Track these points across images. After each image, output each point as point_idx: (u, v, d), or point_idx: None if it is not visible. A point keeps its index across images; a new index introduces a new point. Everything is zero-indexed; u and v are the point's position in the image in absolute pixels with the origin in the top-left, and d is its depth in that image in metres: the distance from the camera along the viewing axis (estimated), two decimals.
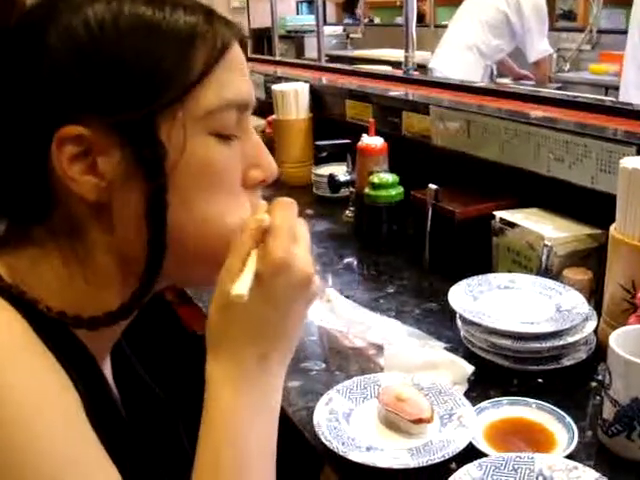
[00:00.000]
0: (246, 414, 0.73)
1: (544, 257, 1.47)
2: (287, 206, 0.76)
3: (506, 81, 4.50)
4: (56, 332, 0.68)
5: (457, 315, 1.37)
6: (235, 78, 0.75)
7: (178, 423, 0.96)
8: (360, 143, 2.00)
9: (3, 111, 0.70)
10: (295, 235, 0.73)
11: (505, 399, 1.17)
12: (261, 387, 0.74)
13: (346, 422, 1.14)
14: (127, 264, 0.74)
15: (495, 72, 4.57)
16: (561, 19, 5.67)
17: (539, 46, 4.37)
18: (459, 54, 4.35)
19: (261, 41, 6.36)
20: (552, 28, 5.43)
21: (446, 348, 1.35)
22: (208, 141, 0.72)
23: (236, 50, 0.75)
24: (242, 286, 0.69)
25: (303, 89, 2.63)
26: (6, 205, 0.74)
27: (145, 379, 0.96)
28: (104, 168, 0.69)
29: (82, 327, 0.71)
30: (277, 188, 2.58)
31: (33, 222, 0.73)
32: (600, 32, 4.72)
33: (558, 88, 4.40)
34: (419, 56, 2.84)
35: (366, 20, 7.11)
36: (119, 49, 0.68)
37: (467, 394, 1.20)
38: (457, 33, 4.43)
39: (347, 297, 1.60)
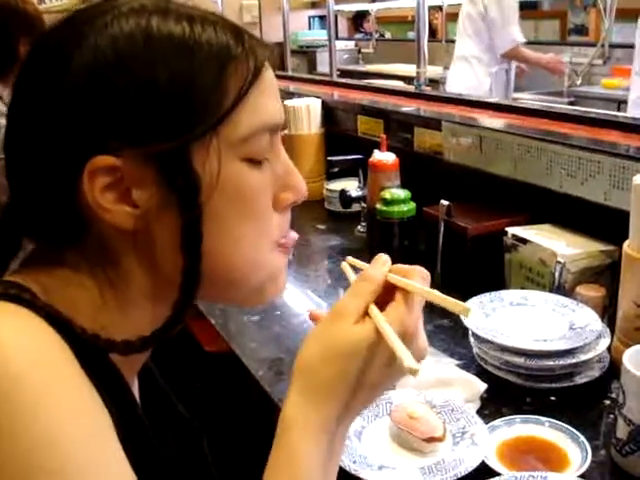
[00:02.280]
0: (320, 462, 0.70)
1: (557, 274, 1.46)
2: (425, 278, 0.76)
3: (522, 95, 4.49)
4: (90, 353, 0.67)
5: (470, 332, 1.36)
6: (268, 101, 0.72)
7: (203, 443, 0.95)
8: (372, 159, 2.00)
9: (33, 141, 0.68)
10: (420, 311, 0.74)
11: (518, 417, 1.16)
12: (337, 437, 0.72)
13: (357, 440, 1.14)
14: (160, 291, 0.73)
15: (512, 79, 4.56)
16: (573, 33, 5.67)
17: (506, 36, 4.30)
18: (460, 67, 4.41)
19: None
20: (564, 42, 5.45)
21: (458, 365, 1.34)
22: (241, 167, 0.70)
23: (269, 71, 0.73)
24: (410, 359, 0.67)
25: (315, 104, 2.64)
26: (36, 229, 0.73)
27: (171, 397, 0.95)
28: (137, 197, 0.67)
29: (115, 351, 0.70)
30: None
31: (65, 245, 0.71)
32: (612, 46, 4.70)
33: (570, 103, 4.40)
34: (431, 71, 2.85)
35: (377, 35, 7.13)
36: (148, 70, 0.65)
37: (480, 412, 1.20)
38: (456, 47, 4.51)
39: None
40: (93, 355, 0.67)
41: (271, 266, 0.77)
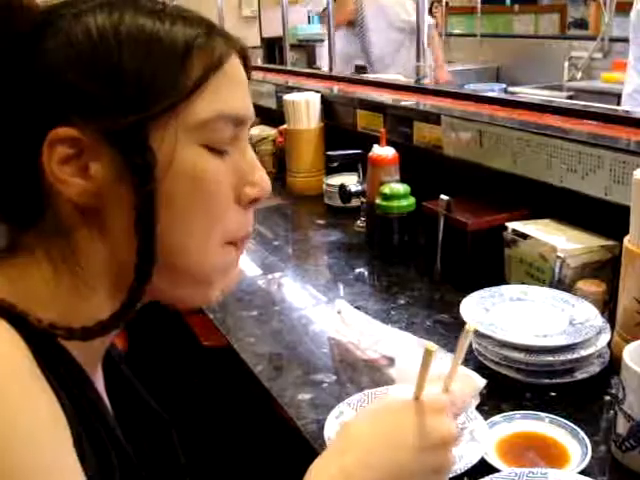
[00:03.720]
0: None
1: (557, 269, 1.46)
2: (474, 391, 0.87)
3: (521, 89, 4.48)
4: (48, 347, 0.67)
5: None
6: (232, 92, 0.75)
7: (172, 434, 0.95)
8: (371, 153, 1.99)
9: None
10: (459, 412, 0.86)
11: (518, 413, 1.16)
12: None
13: None
14: (117, 273, 0.74)
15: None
16: (573, 27, 5.66)
17: None
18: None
19: (272, 50, 6.37)
20: (564, 36, 5.43)
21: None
22: (199, 152, 0.72)
23: (235, 65, 0.76)
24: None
25: (314, 99, 2.63)
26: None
27: (138, 390, 0.94)
28: (94, 172, 0.69)
29: (74, 338, 0.70)
30: (288, 198, 2.60)
31: (23, 225, 0.73)
32: (612, 40, 4.70)
33: (570, 97, 4.39)
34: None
35: None
36: (116, 56, 0.68)
37: (479, 408, 1.19)
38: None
39: (358, 308, 1.60)
40: (50, 348, 0.68)
41: (222, 260, 0.78)
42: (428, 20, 4.29)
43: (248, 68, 0.80)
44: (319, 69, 4.42)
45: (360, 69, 4.32)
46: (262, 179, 0.79)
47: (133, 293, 0.72)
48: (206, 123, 0.72)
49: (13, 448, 0.57)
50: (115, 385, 0.88)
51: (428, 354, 0.78)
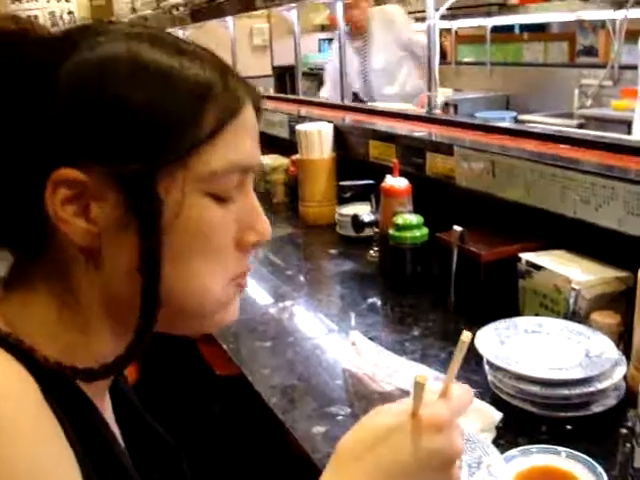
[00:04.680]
0: None
1: (571, 300, 1.45)
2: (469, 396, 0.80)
3: (531, 117, 4.48)
4: (55, 381, 0.67)
5: (484, 360, 1.35)
6: (244, 142, 0.74)
7: (181, 462, 0.95)
8: (384, 184, 2.00)
9: (4, 145, 0.68)
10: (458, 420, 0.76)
11: (534, 447, 1.15)
12: None
13: None
14: (118, 314, 0.73)
15: None
16: (582, 55, 5.68)
17: None
18: None
19: (283, 79, 6.41)
20: (573, 64, 5.45)
21: (473, 394, 1.33)
22: (205, 202, 0.71)
23: (248, 113, 0.75)
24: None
25: (327, 129, 2.64)
26: (3, 236, 0.73)
27: (146, 418, 0.94)
28: (97, 214, 0.68)
29: (77, 378, 0.70)
30: (300, 227, 2.60)
31: (25, 255, 0.72)
32: (622, 68, 4.71)
33: (580, 124, 4.39)
34: (441, 93, 2.86)
35: None
36: (128, 94, 0.66)
37: (495, 442, 1.19)
38: None
39: (372, 339, 1.59)
40: (58, 382, 0.67)
41: (225, 299, 0.78)
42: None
43: (259, 115, 0.78)
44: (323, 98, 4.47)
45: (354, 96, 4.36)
46: (263, 226, 0.79)
47: (139, 335, 0.71)
48: (217, 174, 0.71)
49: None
50: (124, 414, 0.88)
51: (419, 387, 0.73)
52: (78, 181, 0.66)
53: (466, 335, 0.76)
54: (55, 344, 0.70)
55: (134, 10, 5.86)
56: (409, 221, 1.89)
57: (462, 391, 0.78)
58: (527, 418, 1.26)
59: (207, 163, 0.70)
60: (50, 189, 0.66)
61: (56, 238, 0.70)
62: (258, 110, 0.78)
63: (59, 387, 0.67)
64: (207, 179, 0.70)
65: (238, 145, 0.73)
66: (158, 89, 0.68)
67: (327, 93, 4.58)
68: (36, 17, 6.27)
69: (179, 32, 5.62)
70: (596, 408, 1.26)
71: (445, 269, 1.76)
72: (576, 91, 4.69)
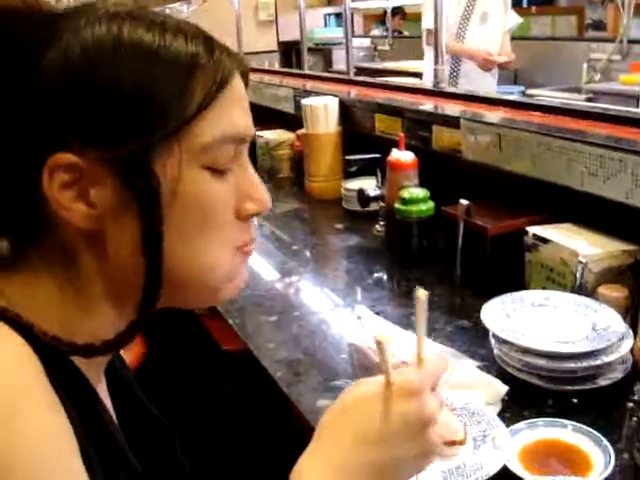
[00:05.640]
0: None
1: (578, 273, 1.44)
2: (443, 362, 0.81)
3: (539, 92, 4.45)
4: (53, 358, 0.67)
5: (490, 333, 1.35)
6: (234, 112, 0.73)
7: (175, 442, 0.95)
8: (390, 157, 1.99)
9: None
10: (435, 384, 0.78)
11: (540, 420, 1.15)
12: None
13: None
14: (120, 293, 0.74)
15: None
16: (591, 29, 5.63)
17: None
18: None
19: (289, 54, 6.38)
20: (582, 38, 5.41)
21: (479, 367, 1.33)
22: (202, 175, 0.71)
23: (237, 83, 0.74)
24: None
25: (332, 103, 2.63)
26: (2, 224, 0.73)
27: (140, 397, 0.94)
28: (96, 197, 0.68)
29: (77, 354, 0.70)
30: (306, 202, 2.60)
31: (24, 243, 0.72)
32: (631, 42, 4.67)
33: (588, 99, 4.36)
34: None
35: (394, 32, 7.12)
36: (115, 75, 0.66)
37: (501, 415, 1.18)
38: None
39: (377, 313, 1.59)
40: (56, 359, 0.67)
41: (229, 269, 0.77)
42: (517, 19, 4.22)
43: (247, 83, 0.78)
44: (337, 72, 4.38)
45: None
46: (262, 195, 0.78)
47: (142, 313, 0.72)
48: (210, 146, 0.71)
49: (19, 456, 0.57)
50: (119, 394, 0.88)
51: (380, 347, 0.76)
52: (74, 165, 0.66)
53: (422, 293, 0.77)
54: (56, 322, 0.70)
55: None
56: (415, 195, 1.87)
57: (434, 356, 0.80)
58: (533, 391, 1.25)
59: (200, 136, 0.70)
60: (47, 175, 0.66)
61: (55, 225, 0.70)
62: (246, 80, 0.78)
63: (57, 363, 0.67)
64: (201, 152, 0.70)
65: (229, 116, 0.72)
66: (143, 66, 0.67)
67: (431, 24, 3.74)
68: None
69: (183, 7, 5.58)
70: (602, 381, 1.25)
71: (451, 243, 1.75)
72: (584, 65, 4.66)
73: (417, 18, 7.10)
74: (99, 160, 0.66)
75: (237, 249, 0.77)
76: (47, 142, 0.66)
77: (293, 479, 0.73)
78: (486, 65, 4.10)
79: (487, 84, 4.16)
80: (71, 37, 0.67)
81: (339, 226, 2.33)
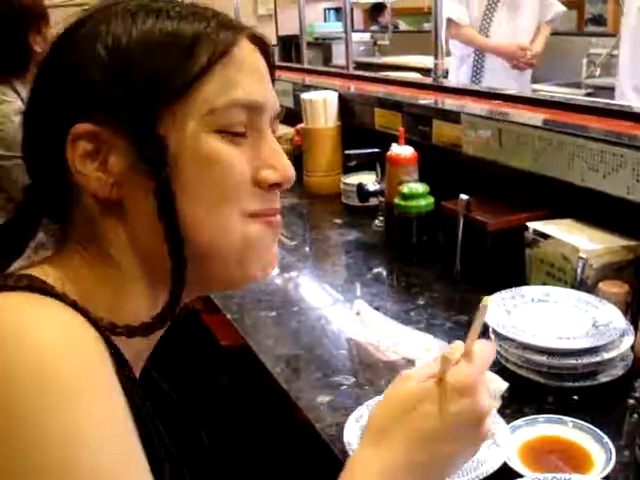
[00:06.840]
0: None
1: (579, 269, 1.44)
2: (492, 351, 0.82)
3: (540, 87, 4.44)
4: (108, 344, 0.67)
5: (490, 329, 1.34)
6: (244, 78, 0.75)
7: (201, 435, 0.96)
8: (390, 152, 1.98)
9: (33, 117, 0.76)
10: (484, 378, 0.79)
11: (540, 417, 1.14)
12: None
13: None
14: (150, 269, 0.75)
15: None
16: (591, 24, 5.62)
17: None
18: None
19: (288, 48, 6.36)
20: (582, 33, 5.39)
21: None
22: (212, 139, 0.73)
23: (246, 51, 0.77)
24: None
25: (332, 98, 2.62)
26: (30, 201, 0.78)
27: (168, 392, 0.95)
28: (112, 164, 0.71)
29: (120, 334, 0.71)
30: (305, 197, 2.59)
31: (56, 220, 0.77)
32: None
33: (589, 94, 4.35)
34: (446, 62, 2.83)
35: (392, 27, 7.10)
36: (130, 55, 0.71)
37: (501, 411, 1.17)
38: None
39: (377, 309, 1.58)
40: (110, 347, 0.68)
41: (243, 235, 0.77)
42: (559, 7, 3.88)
43: (268, 56, 0.80)
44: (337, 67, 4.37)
45: None
46: (283, 166, 0.79)
47: (174, 290, 0.73)
48: (217, 109, 0.73)
49: (90, 444, 0.58)
50: (146, 387, 0.88)
51: (446, 360, 0.77)
52: (93, 133, 0.70)
53: (486, 299, 0.78)
54: (101, 305, 0.71)
55: None
56: (415, 190, 1.87)
57: (484, 348, 0.80)
58: (533, 388, 1.25)
59: (206, 100, 0.72)
60: (70, 146, 0.71)
61: (80, 199, 0.74)
62: (266, 54, 0.80)
63: (112, 351, 0.68)
64: (209, 115, 0.72)
65: (238, 82, 0.74)
66: (152, 44, 0.72)
67: (453, 13, 3.60)
68: None
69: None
70: (603, 378, 1.25)
71: (451, 238, 1.74)
72: (584, 60, 4.64)
73: (414, 12, 7.11)
74: (113, 127, 0.71)
75: (251, 216, 0.77)
76: (71, 113, 0.71)
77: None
78: (518, 62, 3.79)
79: (520, 84, 3.82)
80: (98, 24, 0.73)
81: (338, 221, 2.32)
